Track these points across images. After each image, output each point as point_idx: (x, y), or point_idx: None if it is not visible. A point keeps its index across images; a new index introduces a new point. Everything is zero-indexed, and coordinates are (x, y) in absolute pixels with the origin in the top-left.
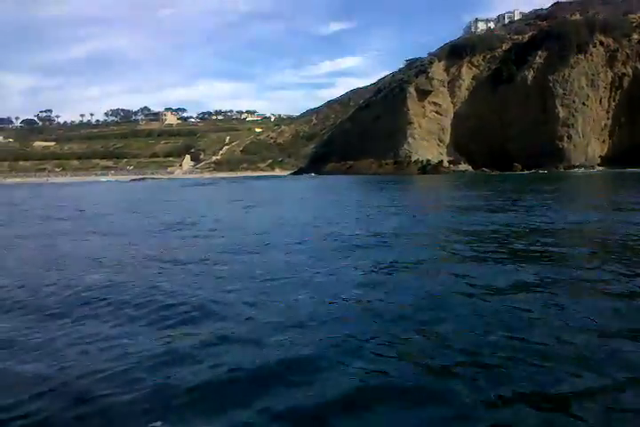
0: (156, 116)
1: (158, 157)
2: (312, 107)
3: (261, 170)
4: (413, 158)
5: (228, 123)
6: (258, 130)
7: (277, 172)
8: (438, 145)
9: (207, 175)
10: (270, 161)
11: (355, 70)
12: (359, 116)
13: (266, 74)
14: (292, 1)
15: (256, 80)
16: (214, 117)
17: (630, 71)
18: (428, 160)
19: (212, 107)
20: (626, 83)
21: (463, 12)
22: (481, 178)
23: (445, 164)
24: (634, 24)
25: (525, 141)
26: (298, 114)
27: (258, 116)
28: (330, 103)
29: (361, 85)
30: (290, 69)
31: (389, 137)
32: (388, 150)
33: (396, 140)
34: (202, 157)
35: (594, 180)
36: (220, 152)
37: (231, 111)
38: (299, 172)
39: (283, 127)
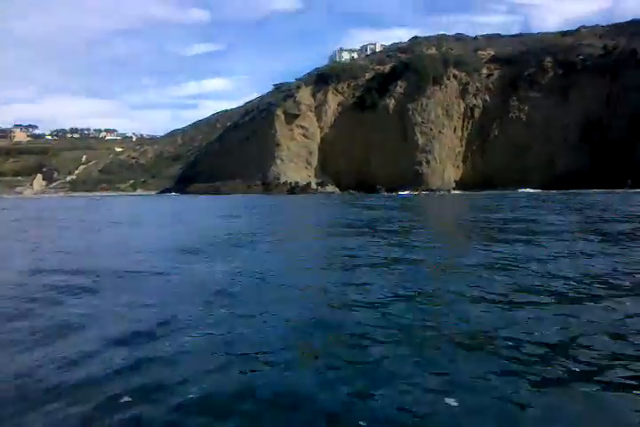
0: (4, 132)
1: (5, 176)
2: (176, 128)
3: (122, 190)
4: (282, 180)
5: (84, 141)
6: (118, 149)
7: (140, 192)
8: (306, 167)
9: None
10: (132, 181)
11: (221, 93)
12: (227, 137)
13: (127, 92)
14: (155, 20)
15: (117, 98)
16: (70, 135)
17: (480, 103)
18: (297, 182)
19: (69, 124)
20: (476, 113)
21: (327, 42)
22: (347, 199)
23: (313, 185)
24: (483, 60)
25: (388, 166)
26: (162, 134)
27: (118, 135)
28: (196, 124)
29: (227, 108)
30: (153, 89)
31: (258, 159)
32: (256, 172)
33: (265, 162)
34: (55, 176)
35: (439, 200)
36: (76, 171)
37: (89, 129)
38: (165, 191)
39: (146, 147)
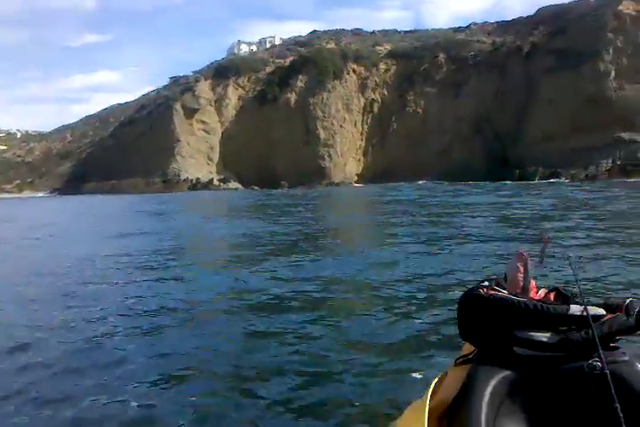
0: None
1: None
2: (64, 123)
3: (7, 192)
4: (182, 177)
5: None
6: (1, 147)
7: (27, 193)
8: (208, 163)
9: None
10: (18, 182)
11: (112, 86)
12: (122, 133)
13: (9, 86)
14: (39, 9)
15: None
16: None
17: (379, 97)
18: (198, 178)
19: None
20: (376, 108)
21: (224, 34)
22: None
23: (216, 182)
24: (380, 55)
25: (290, 160)
26: (49, 130)
27: (0, 131)
28: (87, 119)
29: (120, 101)
30: (38, 82)
31: (156, 155)
32: (155, 169)
33: (164, 159)
34: None
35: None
36: None
37: None
38: (54, 192)
39: (32, 144)
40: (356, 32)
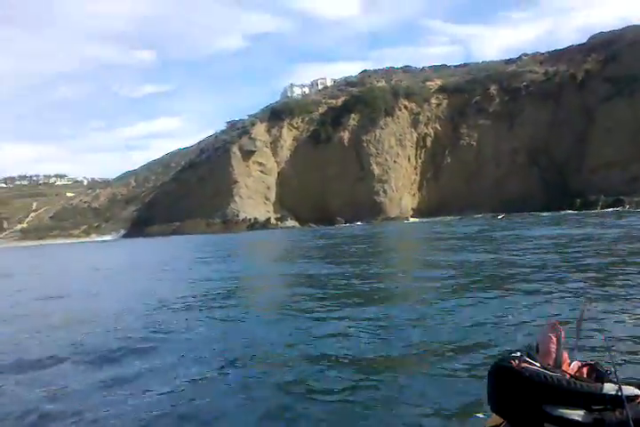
0: None
1: None
2: (129, 169)
3: (76, 236)
4: (241, 217)
5: (34, 188)
6: (70, 194)
7: (94, 237)
8: (265, 203)
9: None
10: (85, 226)
11: (172, 132)
12: (183, 177)
13: (76, 136)
14: (100, 63)
15: (65, 143)
16: (18, 183)
17: (432, 131)
18: (256, 218)
19: (15, 172)
20: (428, 142)
21: (276, 78)
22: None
23: (273, 221)
24: (431, 90)
25: (345, 197)
26: (113, 177)
27: (68, 180)
28: (149, 165)
29: (180, 147)
30: (101, 132)
31: (216, 197)
32: (215, 210)
33: (223, 200)
34: (5, 225)
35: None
36: (27, 219)
37: (37, 176)
38: (123, 235)
39: (98, 191)
40: (406, 69)
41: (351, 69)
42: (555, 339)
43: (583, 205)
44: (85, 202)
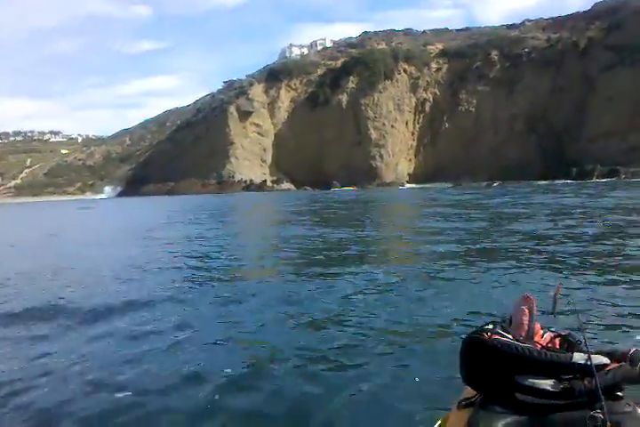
0: None
1: None
2: (124, 127)
3: (70, 194)
4: (236, 178)
5: (28, 144)
6: (64, 151)
7: (89, 195)
8: (261, 165)
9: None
10: (80, 184)
11: (169, 90)
12: (179, 136)
13: (70, 92)
14: (97, 17)
15: (60, 99)
16: (12, 139)
17: (430, 97)
18: (252, 180)
19: (9, 127)
20: (427, 107)
21: (275, 37)
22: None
23: (269, 183)
24: (432, 55)
25: (342, 161)
26: (109, 135)
27: (63, 136)
28: (145, 123)
29: (176, 106)
30: (97, 88)
31: (212, 157)
32: (210, 170)
33: (219, 161)
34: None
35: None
36: (21, 176)
37: (32, 132)
38: (118, 194)
39: (92, 148)
40: (407, 32)
41: (351, 31)
42: (527, 311)
43: (579, 175)
44: (80, 159)
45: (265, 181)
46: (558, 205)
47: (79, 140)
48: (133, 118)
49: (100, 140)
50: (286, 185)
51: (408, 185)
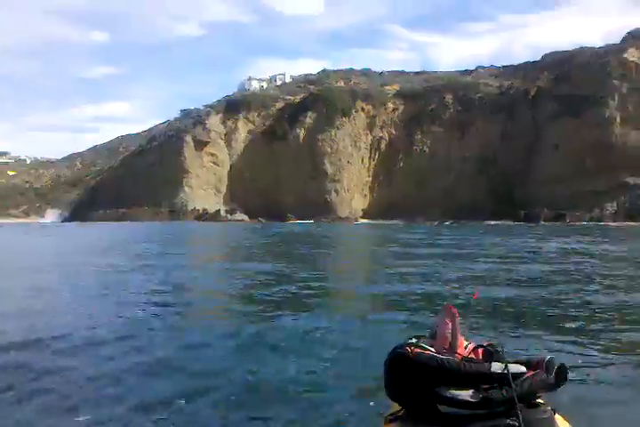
0: None
1: None
2: (75, 151)
3: (14, 216)
4: (189, 207)
5: None
6: (11, 173)
7: (34, 219)
8: (215, 195)
9: None
10: (25, 207)
11: (122, 116)
12: (132, 162)
13: (20, 114)
14: (53, 41)
15: (9, 120)
16: None
17: (386, 135)
18: (205, 209)
19: None
20: (383, 145)
21: (234, 70)
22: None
23: (223, 213)
24: (389, 95)
25: (297, 194)
26: (59, 158)
27: (10, 157)
28: (97, 148)
29: (130, 132)
30: (49, 111)
31: (165, 185)
32: (163, 198)
33: (173, 189)
34: None
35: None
36: None
37: None
38: (65, 220)
39: (41, 171)
40: (365, 72)
41: (311, 67)
42: (450, 323)
43: (527, 217)
44: (27, 182)
45: (219, 210)
46: (504, 247)
47: (27, 162)
48: (85, 143)
49: (49, 163)
50: (240, 216)
51: (362, 220)
